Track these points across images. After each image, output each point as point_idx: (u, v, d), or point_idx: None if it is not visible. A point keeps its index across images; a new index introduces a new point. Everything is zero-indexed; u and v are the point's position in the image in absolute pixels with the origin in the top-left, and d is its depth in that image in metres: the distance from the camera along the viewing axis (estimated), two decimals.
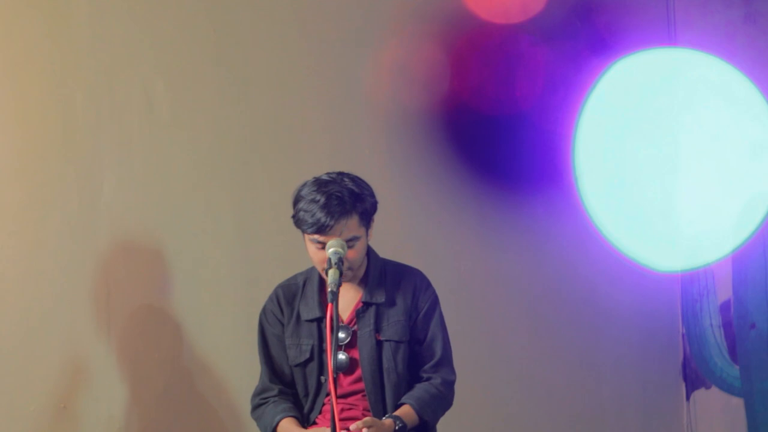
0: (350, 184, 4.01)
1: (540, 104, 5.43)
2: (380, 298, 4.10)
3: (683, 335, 5.69)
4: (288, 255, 4.95)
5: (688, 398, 5.67)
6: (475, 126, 5.38)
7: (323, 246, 3.98)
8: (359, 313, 4.10)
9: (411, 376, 4.13)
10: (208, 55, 5.04)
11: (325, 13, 5.22)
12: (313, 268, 4.16)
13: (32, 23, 4.78)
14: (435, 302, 4.17)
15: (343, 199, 3.97)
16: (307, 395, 4.14)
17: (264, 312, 4.23)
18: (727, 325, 5.52)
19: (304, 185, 4.06)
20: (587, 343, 5.54)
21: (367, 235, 4.07)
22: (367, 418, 3.91)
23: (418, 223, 5.29)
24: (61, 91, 4.81)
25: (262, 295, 4.95)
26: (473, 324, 5.33)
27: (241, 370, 4.97)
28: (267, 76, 5.11)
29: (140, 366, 4.87)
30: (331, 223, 3.95)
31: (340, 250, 3.90)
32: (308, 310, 4.12)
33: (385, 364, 4.07)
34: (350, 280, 4.09)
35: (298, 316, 4.14)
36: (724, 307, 5.53)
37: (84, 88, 4.84)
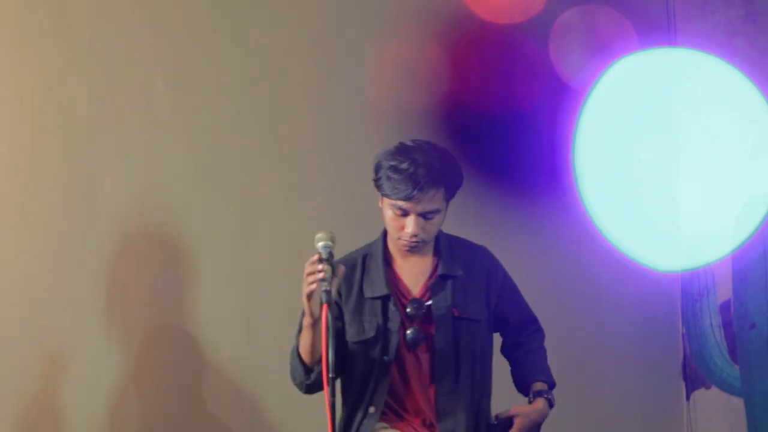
0: (439, 155, 3.86)
1: (540, 104, 5.43)
2: (458, 270, 3.92)
3: (683, 335, 5.68)
4: (288, 254, 4.96)
5: (688, 398, 5.66)
6: (475, 126, 5.37)
7: (404, 213, 3.82)
8: (434, 287, 3.91)
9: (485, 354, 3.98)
10: (208, 55, 5.04)
11: (325, 12, 5.22)
12: (373, 243, 4.00)
13: (32, 23, 4.79)
14: (510, 277, 4.08)
15: (433, 169, 3.80)
16: (365, 376, 3.90)
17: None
18: (727, 325, 5.51)
19: (386, 151, 3.89)
20: (587, 343, 5.54)
21: (446, 209, 3.91)
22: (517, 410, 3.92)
23: None
24: (61, 91, 4.82)
25: (261, 295, 4.97)
26: None
27: (241, 370, 4.97)
28: (267, 76, 5.11)
29: (140, 366, 4.87)
30: (418, 194, 3.76)
31: (330, 243, 3.68)
32: (373, 287, 3.91)
33: (463, 343, 3.88)
34: (416, 253, 3.92)
35: (361, 293, 3.92)
36: (724, 307, 5.52)
37: (84, 88, 4.84)
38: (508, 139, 5.44)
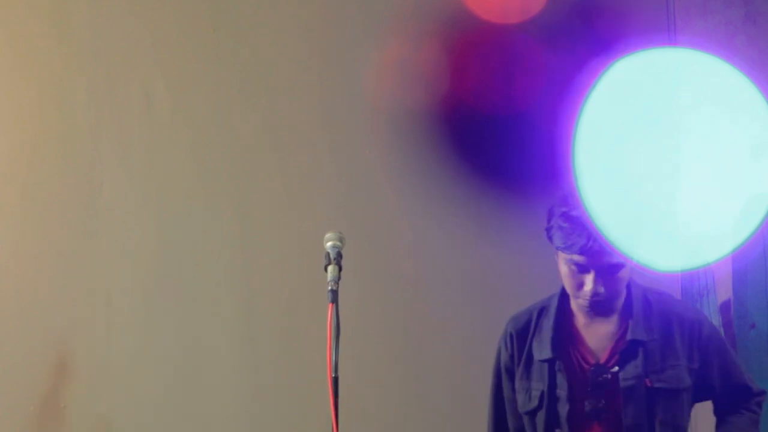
0: None
1: (540, 104, 5.43)
2: (651, 335, 3.49)
3: None
4: (287, 254, 4.96)
5: None
6: (475, 126, 5.37)
7: (581, 269, 3.41)
8: (624, 353, 3.47)
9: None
10: (208, 55, 5.04)
11: (325, 12, 5.22)
12: (552, 297, 3.63)
13: (32, 23, 4.79)
14: (718, 333, 3.64)
15: None
16: None
17: (498, 355, 3.69)
18: (727, 325, 5.51)
19: (558, 195, 3.57)
20: None
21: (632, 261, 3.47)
22: None
23: (417, 222, 5.28)
24: (61, 91, 4.81)
25: (260, 295, 4.97)
26: (474, 324, 5.32)
27: (240, 370, 4.97)
28: (267, 76, 5.11)
29: (140, 366, 4.87)
30: (594, 245, 3.39)
31: (338, 243, 3.47)
32: (541, 348, 3.54)
33: (661, 417, 3.45)
34: (605, 314, 3.50)
35: (530, 355, 3.56)
36: (724, 307, 5.52)
37: (84, 88, 4.84)
38: (508, 138, 5.44)
